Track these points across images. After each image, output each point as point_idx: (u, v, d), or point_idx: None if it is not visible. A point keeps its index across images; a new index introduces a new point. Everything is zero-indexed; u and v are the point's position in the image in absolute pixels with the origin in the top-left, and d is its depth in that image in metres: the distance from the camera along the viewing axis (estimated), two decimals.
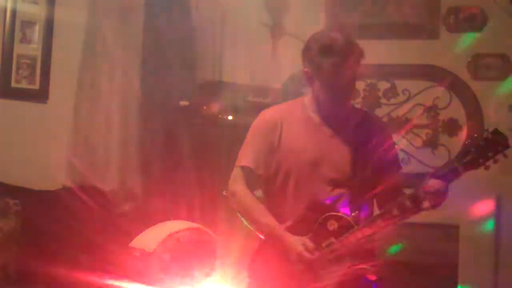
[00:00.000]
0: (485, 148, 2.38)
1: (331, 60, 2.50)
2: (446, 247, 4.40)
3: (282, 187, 2.61)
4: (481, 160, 2.38)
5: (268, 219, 2.58)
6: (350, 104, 2.73)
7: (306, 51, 2.59)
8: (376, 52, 4.42)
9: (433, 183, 2.42)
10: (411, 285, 4.26)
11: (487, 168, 2.40)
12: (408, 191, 2.51)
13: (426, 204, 2.44)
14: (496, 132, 2.39)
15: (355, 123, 2.64)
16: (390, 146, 2.73)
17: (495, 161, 2.39)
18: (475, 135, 2.43)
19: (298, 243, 2.51)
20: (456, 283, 4.33)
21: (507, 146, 2.38)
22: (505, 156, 2.39)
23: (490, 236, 4.33)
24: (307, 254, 2.50)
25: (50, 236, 3.50)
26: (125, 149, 4.10)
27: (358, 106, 4.58)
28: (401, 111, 4.62)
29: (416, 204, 2.44)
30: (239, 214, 2.69)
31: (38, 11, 3.87)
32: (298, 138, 2.61)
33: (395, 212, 2.46)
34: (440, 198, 2.44)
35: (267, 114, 2.69)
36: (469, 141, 2.42)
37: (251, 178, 2.63)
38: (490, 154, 2.38)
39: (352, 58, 2.52)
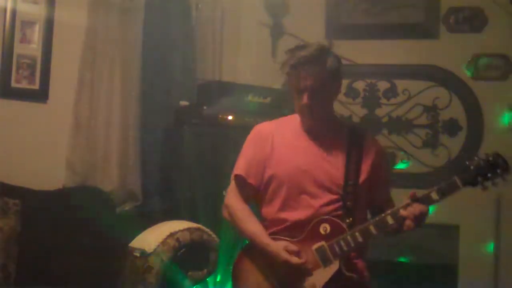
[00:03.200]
0: (484, 168, 2.41)
1: (292, 63, 2.56)
2: (446, 247, 4.40)
3: (273, 195, 2.64)
4: (479, 179, 2.42)
5: (254, 227, 2.61)
6: (330, 117, 2.72)
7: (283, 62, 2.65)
8: (376, 52, 4.45)
9: (416, 208, 2.43)
10: (411, 285, 4.26)
11: (485, 188, 2.43)
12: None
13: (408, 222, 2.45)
14: (497, 156, 2.43)
15: (347, 135, 2.68)
16: (383, 163, 2.75)
17: (494, 184, 2.42)
18: (475, 158, 2.44)
19: (281, 249, 2.52)
20: (456, 283, 4.33)
21: (507, 171, 2.41)
22: (504, 180, 2.41)
23: (490, 236, 4.33)
24: (293, 260, 2.50)
25: (50, 236, 3.50)
26: (125, 149, 4.10)
27: (358, 106, 4.61)
28: (401, 111, 4.62)
29: (399, 222, 2.46)
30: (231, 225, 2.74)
31: (38, 11, 3.86)
32: (290, 148, 2.66)
33: (390, 220, 2.47)
34: (422, 221, 2.46)
35: (260, 126, 2.78)
36: (469, 161, 2.43)
37: (244, 187, 2.69)
38: (488, 174, 2.41)
39: (314, 66, 2.54)
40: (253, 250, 2.63)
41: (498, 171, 2.41)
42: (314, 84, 2.55)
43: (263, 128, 2.75)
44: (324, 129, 2.67)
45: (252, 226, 2.62)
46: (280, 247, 2.53)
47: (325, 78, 2.57)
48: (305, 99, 2.56)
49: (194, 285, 3.49)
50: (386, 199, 2.69)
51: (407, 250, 4.38)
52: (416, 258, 4.41)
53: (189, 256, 3.44)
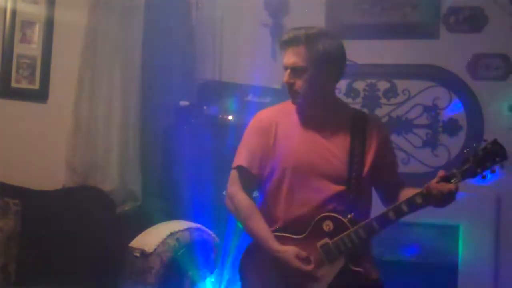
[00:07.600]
0: (483, 158, 2.40)
1: (280, 41, 2.61)
2: (446, 247, 4.40)
3: (277, 187, 2.60)
4: (478, 170, 2.41)
5: (262, 230, 2.58)
6: (330, 103, 2.67)
7: None
8: (376, 52, 4.44)
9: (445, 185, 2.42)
10: (411, 285, 4.26)
11: (484, 177, 2.41)
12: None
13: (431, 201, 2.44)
14: (495, 143, 2.41)
15: (351, 122, 2.64)
16: (387, 145, 2.73)
17: (492, 171, 2.41)
18: (474, 145, 2.45)
19: (292, 256, 2.50)
20: (456, 283, 4.33)
21: (505, 158, 2.40)
22: (502, 167, 2.41)
23: (490, 236, 4.33)
24: (303, 267, 2.50)
25: (50, 236, 3.50)
26: (125, 149, 4.10)
27: (358, 106, 4.61)
28: (401, 111, 4.62)
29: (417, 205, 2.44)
30: (234, 217, 2.71)
31: (38, 11, 3.86)
32: (293, 138, 2.61)
33: (391, 215, 2.47)
34: (446, 202, 2.45)
35: (262, 115, 2.70)
36: (468, 150, 2.44)
37: (247, 178, 2.63)
38: (488, 164, 2.40)
39: (298, 47, 2.55)
40: (260, 248, 2.61)
41: (497, 159, 2.40)
42: (296, 63, 2.54)
43: (265, 117, 2.67)
44: (326, 116, 2.63)
45: (260, 228, 2.58)
46: (291, 254, 2.51)
47: (311, 59, 2.54)
48: (285, 76, 2.58)
49: (194, 285, 3.49)
50: (396, 182, 2.67)
51: (407, 250, 4.38)
52: (416, 258, 4.41)
53: (189, 256, 3.44)
